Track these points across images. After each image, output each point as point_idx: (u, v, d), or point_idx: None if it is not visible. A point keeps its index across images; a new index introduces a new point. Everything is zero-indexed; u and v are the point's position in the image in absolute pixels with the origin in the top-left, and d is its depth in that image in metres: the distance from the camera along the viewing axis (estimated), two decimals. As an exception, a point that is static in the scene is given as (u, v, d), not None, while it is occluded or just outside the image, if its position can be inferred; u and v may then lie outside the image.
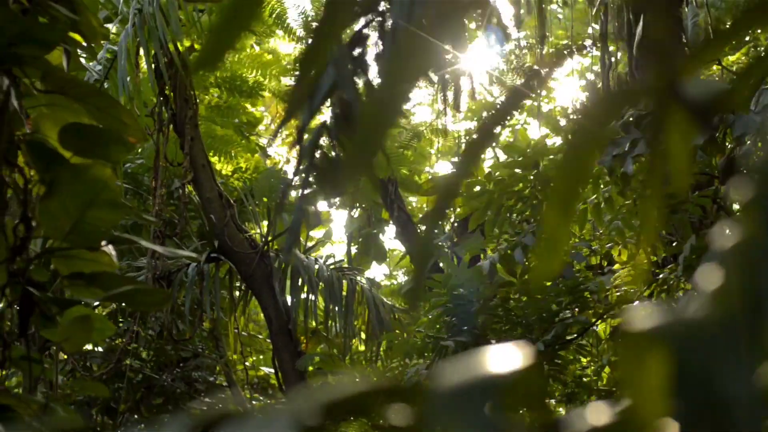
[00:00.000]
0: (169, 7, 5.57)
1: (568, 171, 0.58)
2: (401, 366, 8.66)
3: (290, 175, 9.39)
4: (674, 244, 4.86)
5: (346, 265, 7.70)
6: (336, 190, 1.50)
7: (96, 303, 2.35)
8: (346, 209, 11.65)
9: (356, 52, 1.52)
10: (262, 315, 9.83)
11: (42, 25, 1.76)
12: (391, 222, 10.54)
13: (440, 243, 8.43)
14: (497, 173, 4.45)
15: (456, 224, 8.58)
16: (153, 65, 6.07)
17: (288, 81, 8.80)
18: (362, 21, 1.53)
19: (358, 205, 10.62)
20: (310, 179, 1.56)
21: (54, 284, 2.10)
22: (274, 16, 8.16)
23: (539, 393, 0.36)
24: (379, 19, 1.54)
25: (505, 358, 0.35)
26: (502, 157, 4.73)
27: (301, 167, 1.51)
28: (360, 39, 1.51)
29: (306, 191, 1.54)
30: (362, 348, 8.42)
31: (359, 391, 0.36)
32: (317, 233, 10.99)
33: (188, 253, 1.83)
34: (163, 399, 9.05)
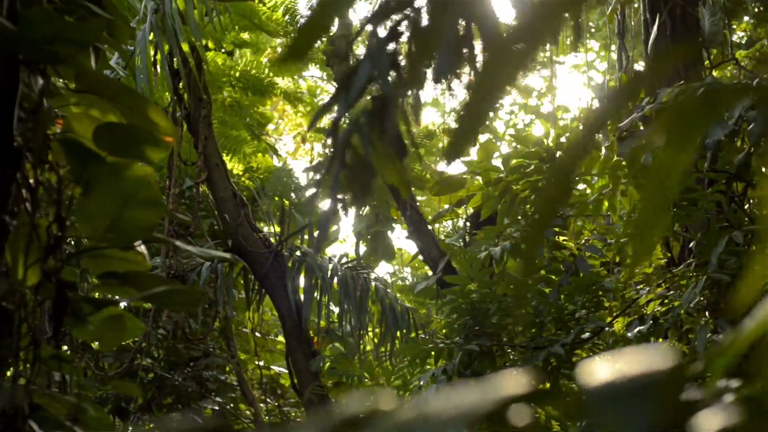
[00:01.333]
0: (186, 6, 5.58)
1: (666, 162, 0.58)
2: (412, 367, 8.65)
3: (299, 175, 9.39)
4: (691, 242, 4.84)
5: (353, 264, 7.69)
6: (366, 191, 1.49)
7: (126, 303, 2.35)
8: (354, 207, 11.64)
9: (391, 47, 1.51)
10: (269, 314, 9.84)
11: (77, 25, 1.76)
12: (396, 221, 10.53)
13: (453, 242, 8.43)
14: (513, 162, 4.45)
15: (468, 223, 8.57)
16: (168, 64, 6.08)
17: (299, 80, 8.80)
18: (397, 16, 1.52)
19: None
20: (341, 179, 1.55)
21: (82, 284, 2.11)
22: (287, 16, 8.17)
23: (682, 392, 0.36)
24: (414, 15, 1.53)
25: (650, 359, 0.35)
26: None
27: (331, 166, 1.50)
28: (395, 34, 1.50)
29: (335, 191, 1.53)
30: (370, 348, 8.42)
31: (509, 396, 0.36)
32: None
33: (221, 253, 1.82)
34: (173, 398, 9.08)
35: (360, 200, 1.54)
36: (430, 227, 8.79)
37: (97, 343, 1.97)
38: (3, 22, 1.60)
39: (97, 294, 2.14)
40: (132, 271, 1.89)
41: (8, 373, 1.96)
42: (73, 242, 2.30)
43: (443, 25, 1.39)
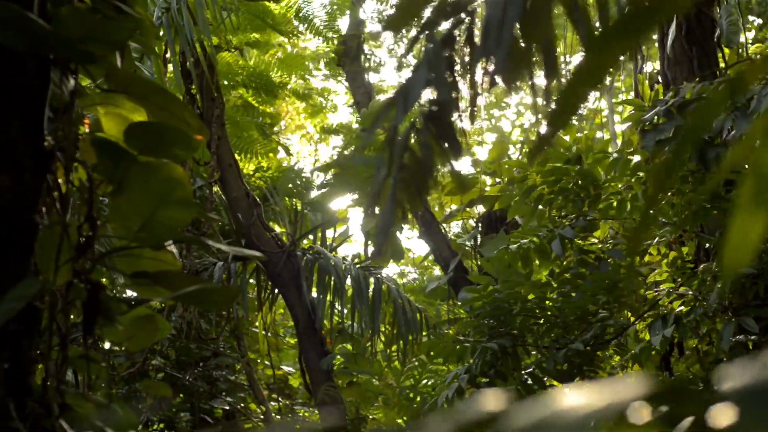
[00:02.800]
0: (197, 6, 5.57)
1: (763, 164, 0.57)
2: (421, 366, 8.64)
3: (309, 174, 9.37)
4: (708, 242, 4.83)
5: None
6: (422, 191, 1.48)
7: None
8: (361, 207, 11.63)
9: (447, 53, 1.52)
10: (278, 314, 9.84)
11: (110, 24, 1.75)
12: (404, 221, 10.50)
13: (464, 243, 8.42)
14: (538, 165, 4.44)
15: (479, 224, 8.55)
16: (180, 64, 6.08)
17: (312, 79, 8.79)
18: (451, 21, 1.52)
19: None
20: (399, 180, 1.55)
21: (111, 283, 2.10)
22: (300, 15, 8.16)
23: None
24: (469, 19, 1.53)
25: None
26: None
27: (390, 168, 1.50)
28: (450, 39, 1.50)
29: (395, 193, 1.53)
30: (380, 348, 8.41)
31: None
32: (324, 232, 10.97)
33: (255, 253, 1.81)
34: (183, 397, 9.08)
35: (416, 201, 1.53)
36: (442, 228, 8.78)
37: (127, 343, 1.96)
38: (37, 21, 1.59)
39: (125, 294, 2.13)
40: (163, 271, 1.89)
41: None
42: (98, 242, 2.29)
43: (501, 28, 1.38)
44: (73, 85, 1.91)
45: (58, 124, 2.00)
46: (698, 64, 5.37)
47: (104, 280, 1.99)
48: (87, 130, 2.06)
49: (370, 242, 12.08)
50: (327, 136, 14.38)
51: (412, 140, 1.46)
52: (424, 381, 8.93)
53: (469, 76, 1.56)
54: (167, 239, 1.62)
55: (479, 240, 8.28)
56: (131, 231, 1.64)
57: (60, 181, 2.00)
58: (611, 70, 0.58)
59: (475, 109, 1.68)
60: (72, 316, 2.00)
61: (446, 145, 1.64)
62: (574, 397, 0.41)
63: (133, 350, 1.92)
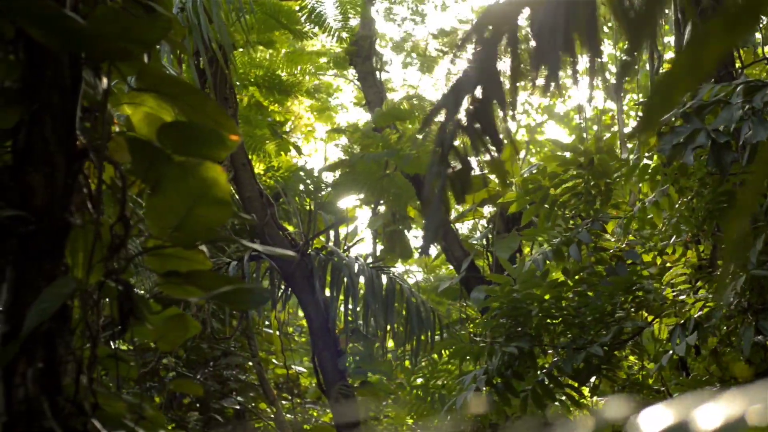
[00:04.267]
0: (212, 5, 5.57)
1: None
2: (431, 366, 8.63)
3: (318, 174, 9.37)
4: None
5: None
6: (465, 188, 1.49)
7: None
8: (370, 206, 11.62)
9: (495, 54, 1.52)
10: (286, 313, 9.83)
11: (144, 23, 1.75)
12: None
13: (475, 243, 8.41)
14: (550, 168, 4.43)
15: (492, 224, 8.53)
16: (194, 64, 6.08)
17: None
18: (500, 20, 1.52)
19: (383, 201, 10.58)
20: (446, 179, 1.55)
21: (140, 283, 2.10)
22: (313, 16, 8.16)
23: None
24: (515, 20, 1.53)
25: None
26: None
27: (440, 166, 1.50)
28: (501, 38, 1.50)
29: (443, 191, 1.54)
30: (392, 346, 8.40)
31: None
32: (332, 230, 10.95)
33: (287, 251, 1.81)
34: (193, 397, 9.08)
35: (461, 197, 1.53)
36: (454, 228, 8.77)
37: (159, 342, 1.96)
38: (75, 19, 1.59)
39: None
40: (195, 270, 1.88)
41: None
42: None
43: (548, 35, 1.39)
44: (106, 84, 1.91)
45: (89, 123, 2.01)
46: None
47: (131, 279, 1.99)
48: (117, 130, 2.05)
49: (378, 241, 12.08)
50: (336, 135, 14.40)
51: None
52: (435, 380, 8.94)
53: (511, 76, 1.57)
54: (204, 239, 1.62)
55: (491, 240, 8.26)
56: (167, 230, 1.63)
57: (91, 180, 2.00)
58: (711, 65, 0.57)
59: (515, 106, 1.68)
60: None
61: (488, 139, 1.65)
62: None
63: (164, 350, 1.93)
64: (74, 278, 1.81)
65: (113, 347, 2.15)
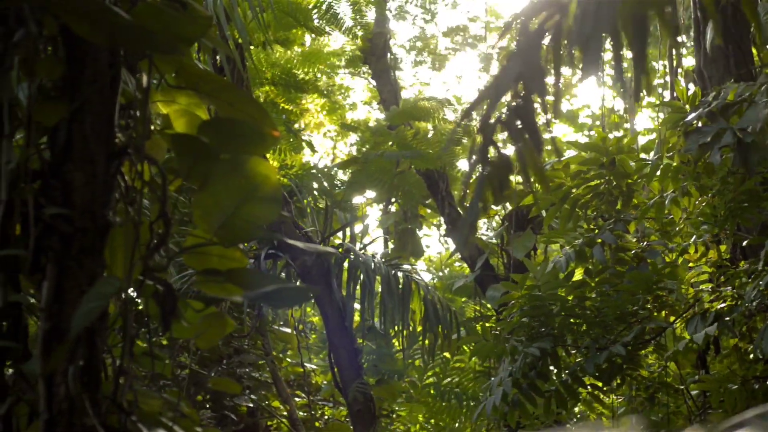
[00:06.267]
0: (231, 4, 5.57)
1: None
2: (442, 364, 8.62)
3: (332, 172, 9.35)
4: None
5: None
6: (504, 187, 1.47)
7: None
8: (381, 204, 11.61)
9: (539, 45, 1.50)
10: (299, 311, 9.82)
11: (185, 19, 1.74)
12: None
13: (491, 242, 8.39)
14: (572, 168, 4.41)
15: (506, 223, 8.51)
16: (211, 61, 6.07)
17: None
18: (543, 15, 1.50)
19: (393, 200, 10.56)
20: (484, 176, 1.53)
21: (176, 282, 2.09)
22: (328, 15, 8.14)
23: None
24: (558, 16, 1.51)
25: None
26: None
27: (478, 163, 1.48)
28: (544, 32, 1.48)
29: (482, 187, 1.52)
30: (405, 344, 8.38)
31: None
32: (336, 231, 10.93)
33: (329, 249, 1.80)
34: (207, 395, 9.09)
35: (499, 196, 1.51)
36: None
37: (197, 340, 1.95)
38: (120, 14, 1.58)
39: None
40: (235, 269, 1.87)
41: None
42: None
43: (593, 27, 1.37)
44: (146, 81, 1.90)
45: (124, 121, 2.00)
46: (734, 62, 5.33)
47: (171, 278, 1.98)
48: (155, 127, 2.05)
49: (389, 238, 12.06)
50: (346, 133, 14.38)
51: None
52: (448, 379, 8.93)
53: (554, 68, 1.55)
54: (250, 237, 1.61)
55: (506, 238, 8.25)
56: (213, 227, 1.62)
57: (127, 178, 1.99)
58: None
59: (559, 103, 1.66)
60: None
61: (528, 137, 1.63)
62: None
63: (203, 348, 1.92)
64: (117, 277, 1.80)
65: (148, 345, 2.15)
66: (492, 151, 1.49)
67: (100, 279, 1.76)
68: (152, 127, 2.03)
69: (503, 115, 1.51)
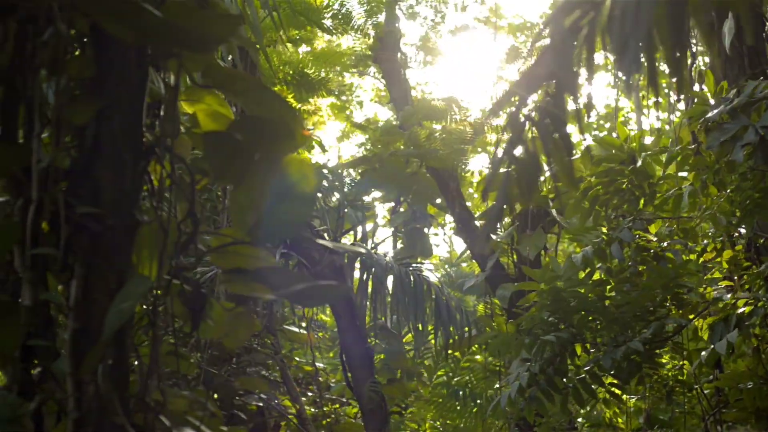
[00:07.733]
0: (244, 3, 5.55)
1: None
2: (453, 363, 8.60)
3: (340, 171, 9.34)
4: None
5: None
6: (531, 188, 1.46)
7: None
8: (390, 203, 11.57)
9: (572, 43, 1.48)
10: (309, 310, 9.80)
11: (216, 18, 1.73)
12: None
13: (501, 240, 8.36)
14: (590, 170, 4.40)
15: (517, 223, 8.49)
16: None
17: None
18: (577, 13, 1.49)
19: (403, 199, 10.54)
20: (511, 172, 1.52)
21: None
22: (340, 15, 8.13)
23: None
24: (593, 14, 1.50)
25: None
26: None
27: (504, 158, 1.48)
28: (579, 29, 1.47)
29: (506, 186, 1.51)
30: (407, 340, 8.38)
31: None
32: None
33: (358, 248, 1.80)
34: (216, 395, 9.06)
35: (526, 196, 1.50)
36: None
37: (225, 339, 1.95)
38: (153, 12, 1.57)
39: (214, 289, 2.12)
40: (263, 267, 1.87)
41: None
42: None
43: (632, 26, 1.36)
44: (174, 80, 1.90)
45: (149, 120, 1.99)
46: (749, 62, 5.31)
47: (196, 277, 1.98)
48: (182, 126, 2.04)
49: (398, 238, 12.04)
50: (350, 133, 14.36)
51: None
52: (458, 378, 8.93)
53: (587, 67, 1.54)
54: (285, 236, 1.61)
55: (516, 237, 8.22)
56: (246, 226, 1.62)
57: (153, 177, 1.99)
58: None
59: (591, 101, 1.65)
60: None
61: (558, 137, 1.62)
62: None
63: (230, 347, 1.91)
64: (148, 277, 1.80)
65: (175, 344, 2.15)
66: (520, 149, 1.48)
67: (129, 278, 1.75)
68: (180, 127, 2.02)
69: (533, 113, 1.50)
